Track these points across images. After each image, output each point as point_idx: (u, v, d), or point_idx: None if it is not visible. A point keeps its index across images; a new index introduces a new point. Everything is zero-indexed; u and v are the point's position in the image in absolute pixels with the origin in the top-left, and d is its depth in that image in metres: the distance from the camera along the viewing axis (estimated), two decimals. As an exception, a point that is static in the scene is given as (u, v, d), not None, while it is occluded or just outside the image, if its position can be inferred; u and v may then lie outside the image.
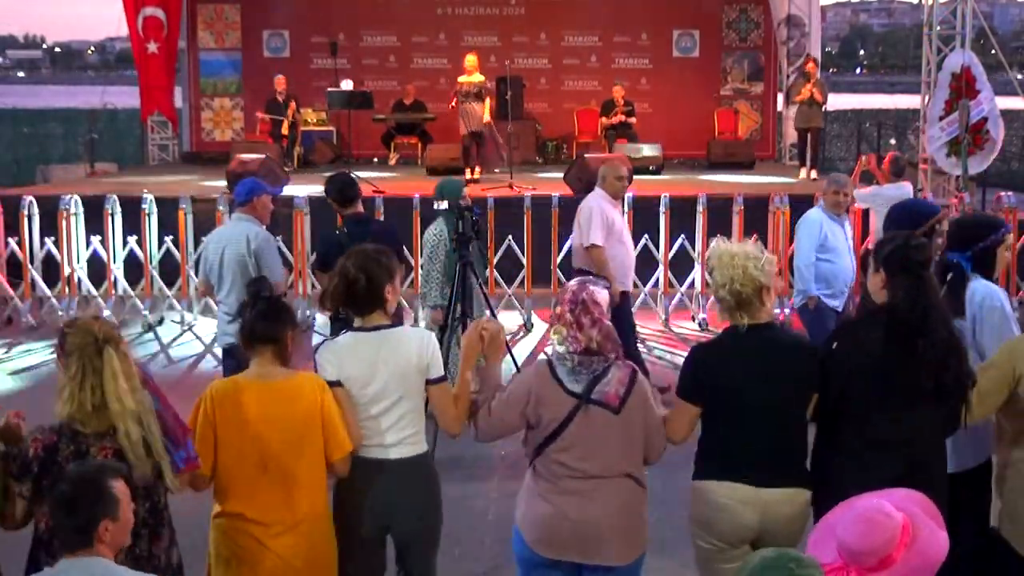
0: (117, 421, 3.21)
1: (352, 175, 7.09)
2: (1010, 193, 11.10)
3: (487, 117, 13.26)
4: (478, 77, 13.12)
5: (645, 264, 9.93)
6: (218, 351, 7.32)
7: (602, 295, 3.60)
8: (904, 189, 9.09)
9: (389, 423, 3.69)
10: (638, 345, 8.30)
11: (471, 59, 13.27)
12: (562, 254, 10.11)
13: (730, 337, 3.65)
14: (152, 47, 16.73)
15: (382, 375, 3.66)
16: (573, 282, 3.65)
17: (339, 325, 6.07)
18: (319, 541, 3.62)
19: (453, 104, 13.30)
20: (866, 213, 9.73)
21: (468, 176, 13.30)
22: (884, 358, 3.55)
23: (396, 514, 3.74)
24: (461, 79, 13.13)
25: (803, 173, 14.42)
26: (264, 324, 3.61)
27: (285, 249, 9.53)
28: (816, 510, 3.63)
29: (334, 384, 3.66)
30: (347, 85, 14.86)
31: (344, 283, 3.70)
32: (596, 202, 7.44)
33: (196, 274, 8.25)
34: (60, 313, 10.15)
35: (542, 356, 3.69)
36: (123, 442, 3.21)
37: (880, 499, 2.87)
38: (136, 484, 3.13)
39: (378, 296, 3.72)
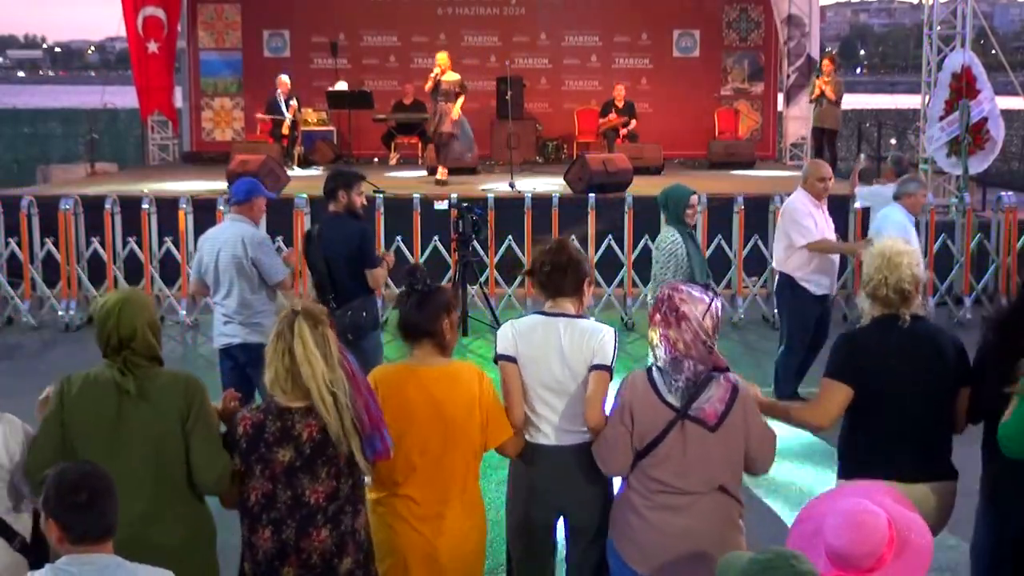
0: (309, 384, 3.23)
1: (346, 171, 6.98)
2: (1010, 193, 11.11)
3: (456, 114, 12.98)
4: (453, 76, 12.89)
5: (645, 264, 9.89)
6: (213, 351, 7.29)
7: (694, 296, 3.47)
8: (904, 189, 9.07)
9: (561, 409, 3.73)
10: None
11: (444, 57, 12.98)
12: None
13: (888, 327, 3.78)
14: (152, 47, 16.70)
15: (554, 360, 3.72)
16: (665, 285, 3.60)
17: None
18: (469, 526, 3.66)
19: (429, 86, 12.96)
20: (867, 211, 9.73)
21: (438, 177, 13.06)
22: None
23: (570, 501, 3.77)
24: (444, 77, 12.77)
25: None
26: (419, 318, 3.64)
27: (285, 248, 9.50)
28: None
29: (507, 359, 3.75)
30: (342, 86, 14.82)
31: (558, 261, 3.81)
32: (798, 202, 7.29)
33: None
34: (60, 313, 10.15)
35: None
36: (319, 407, 3.24)
37: (859, 497, 2.86)
38: (338, 454, 3.26)
39: (576, 285, 3.83)
